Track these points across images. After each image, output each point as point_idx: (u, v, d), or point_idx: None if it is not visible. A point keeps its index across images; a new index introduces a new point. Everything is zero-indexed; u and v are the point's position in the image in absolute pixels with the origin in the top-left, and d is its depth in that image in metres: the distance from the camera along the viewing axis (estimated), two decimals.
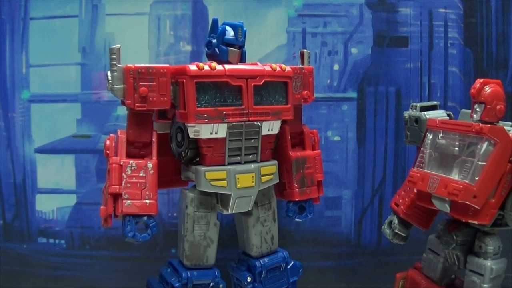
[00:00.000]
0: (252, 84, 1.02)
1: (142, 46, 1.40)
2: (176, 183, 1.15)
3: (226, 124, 1.01)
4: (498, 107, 0.94)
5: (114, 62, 0.99)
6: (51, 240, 1.43)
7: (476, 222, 0.96)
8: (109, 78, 1.00)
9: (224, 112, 1.00)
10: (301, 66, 1.16)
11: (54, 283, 1.42)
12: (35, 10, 1.38)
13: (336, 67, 1.44)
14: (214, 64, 1.00)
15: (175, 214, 1.43)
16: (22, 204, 1.41)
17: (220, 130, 1.01)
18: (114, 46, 1.00)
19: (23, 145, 1.40)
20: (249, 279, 1.12)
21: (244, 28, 1.07)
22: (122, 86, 0.99)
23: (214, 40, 1.05)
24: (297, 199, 1.14)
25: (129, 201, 0.98)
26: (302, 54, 1.17)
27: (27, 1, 1.38)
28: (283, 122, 1.12)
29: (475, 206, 0.91)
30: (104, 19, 1.39)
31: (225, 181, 1.02)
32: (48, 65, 1.39)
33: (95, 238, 1.43)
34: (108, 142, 1.03)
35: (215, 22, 1.07)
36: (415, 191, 1.05)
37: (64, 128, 1.40)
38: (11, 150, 1.40)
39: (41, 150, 1.41)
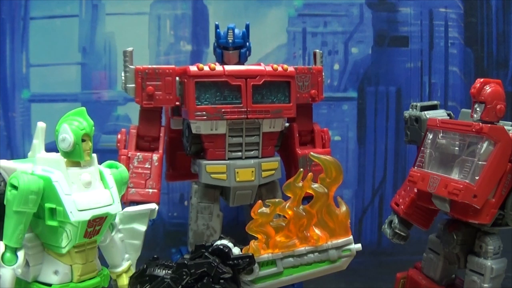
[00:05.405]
0: (251, 83, 1.06)
1: (142, 45, 1.40)
2: (193, 176, 1.19)
3: (225, 121, 1.05)
4: (498, 106, 0.94)
5: (127, 63, 1.08)
6: None
7: (476, 222, 0.96)
8: (123, 78, 1.08)
9: (223, 110, 1.05)
10: (309, 66, 1.17)
11: None
12: (35, 9, 1.38)
13: (336, 66, 1.44)
14: (213, 65, 1.06)
15: (175, 214, 1.43)
16: None
17: (220, 127, 1.06)
18: (127, 49, 1.08)
19: (23, 145, 1.40)
20: None
21: (243, 30, 1.10)
22: (133, 85, 1.08)
23: (215, 44, 1.12)
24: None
25: (133, 189, 1.07)
26: (314, 54, 1.19)
27: (27, 0, 1.38)
28: (292, 120, 1.15)
29: (476, 206, 0.91)
30: (104, 18, 1.40)
31: (225, 175, 1.08)
32: (48, 64, 1.40)
33: None
34: (119, 136, 1.12)
35: (215, 27, 1.11)
36: (416, 190, 1.05)
37: None
38: (11, 150, 1.40)
39: None
